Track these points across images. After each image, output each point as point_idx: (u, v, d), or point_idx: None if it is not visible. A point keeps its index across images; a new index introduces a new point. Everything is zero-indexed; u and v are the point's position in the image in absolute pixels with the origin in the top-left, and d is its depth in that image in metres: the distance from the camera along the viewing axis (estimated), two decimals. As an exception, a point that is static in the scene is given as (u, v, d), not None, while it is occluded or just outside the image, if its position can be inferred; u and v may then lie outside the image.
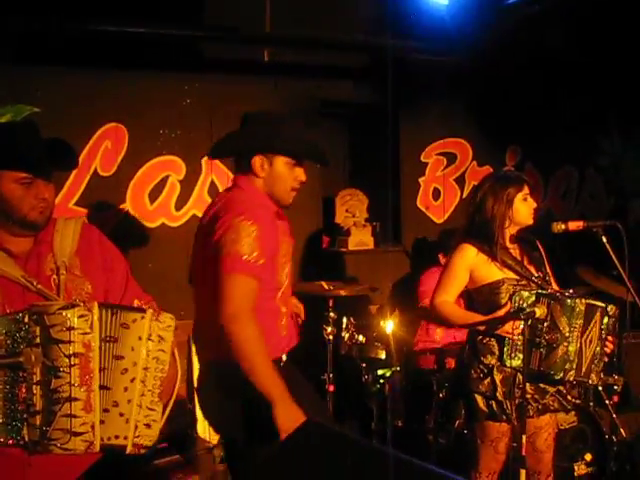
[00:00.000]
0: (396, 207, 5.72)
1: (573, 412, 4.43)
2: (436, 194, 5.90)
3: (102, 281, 2.50)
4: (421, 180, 5.85)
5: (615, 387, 4.56)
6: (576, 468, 4.34)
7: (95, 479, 2.35)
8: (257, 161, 2.89)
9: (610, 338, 3.38)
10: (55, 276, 2.39)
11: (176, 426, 4.55)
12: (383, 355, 4.40)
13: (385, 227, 5.75)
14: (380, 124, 5.78)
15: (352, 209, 5.59)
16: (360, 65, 5.66)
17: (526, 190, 3.49)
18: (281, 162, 2.91)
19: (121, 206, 4.97)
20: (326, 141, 5.50)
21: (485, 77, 5.89)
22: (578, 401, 4.06)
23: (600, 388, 4.58)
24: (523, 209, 3.47)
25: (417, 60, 5.62)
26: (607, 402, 4.62)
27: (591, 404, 4.52)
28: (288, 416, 2.60)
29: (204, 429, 4.50)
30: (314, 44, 5.16)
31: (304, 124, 3.14)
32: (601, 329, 3.33)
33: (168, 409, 2.47)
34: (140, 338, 2.32)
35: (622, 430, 4.55)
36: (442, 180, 5.89)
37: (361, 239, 5.53)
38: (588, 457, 4.36)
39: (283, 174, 2.91)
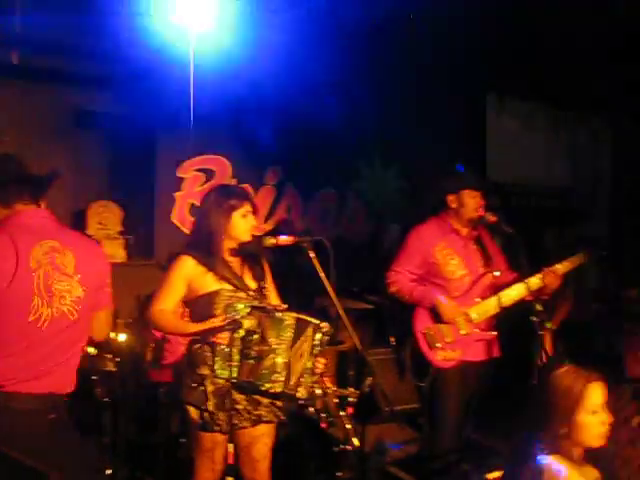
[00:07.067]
0: (150, 221, 5.67)
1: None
2: (193, 209, 5.92)
3: None
4: (177, 195, 5.84)
5: (350, 399, 4.77)
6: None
7: None
8: None
9: (321, 359, 3.39)
10: None
11: None
12: (114, 367, 4.33)
13: (139, 241, 5.69)
14: (138, 138, 5.75)
15: (105, 221, 5.50)
16: (119, 76, 5.59)
17: (247, 207, 3.55)
18: None
19: None
20: (83, 152, 5.40)
21: (248, 97, 6.00)
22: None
23: (336, 400, 4.79)
24: (241, 225, 3.53)
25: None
26: (341, 413, 4.84)
27: (322, 415, 4.71)
28: None
29: None
30: (63, 50, 5.03)
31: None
32: (313, 345, 3.34)
33: None
34: None
35: (354, 440, 4.78)
36: (199, 196, 5.89)
37: (112, 252, 5.45)
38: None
39: None
